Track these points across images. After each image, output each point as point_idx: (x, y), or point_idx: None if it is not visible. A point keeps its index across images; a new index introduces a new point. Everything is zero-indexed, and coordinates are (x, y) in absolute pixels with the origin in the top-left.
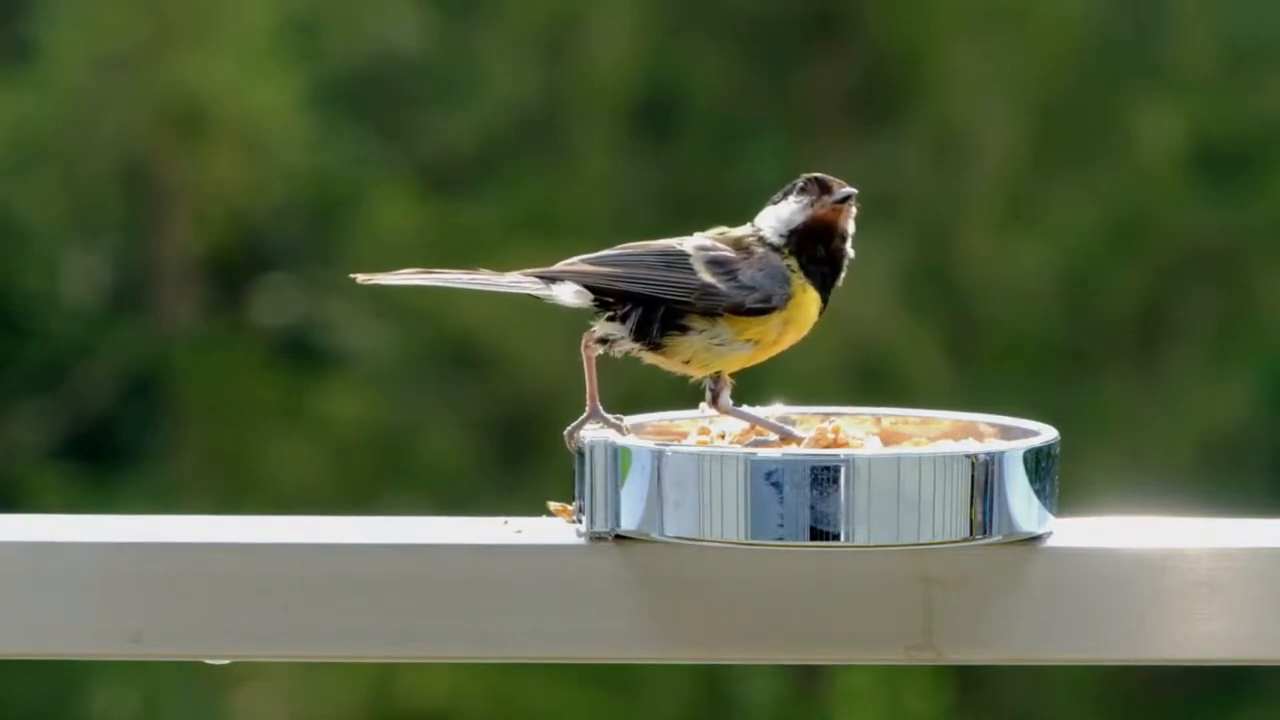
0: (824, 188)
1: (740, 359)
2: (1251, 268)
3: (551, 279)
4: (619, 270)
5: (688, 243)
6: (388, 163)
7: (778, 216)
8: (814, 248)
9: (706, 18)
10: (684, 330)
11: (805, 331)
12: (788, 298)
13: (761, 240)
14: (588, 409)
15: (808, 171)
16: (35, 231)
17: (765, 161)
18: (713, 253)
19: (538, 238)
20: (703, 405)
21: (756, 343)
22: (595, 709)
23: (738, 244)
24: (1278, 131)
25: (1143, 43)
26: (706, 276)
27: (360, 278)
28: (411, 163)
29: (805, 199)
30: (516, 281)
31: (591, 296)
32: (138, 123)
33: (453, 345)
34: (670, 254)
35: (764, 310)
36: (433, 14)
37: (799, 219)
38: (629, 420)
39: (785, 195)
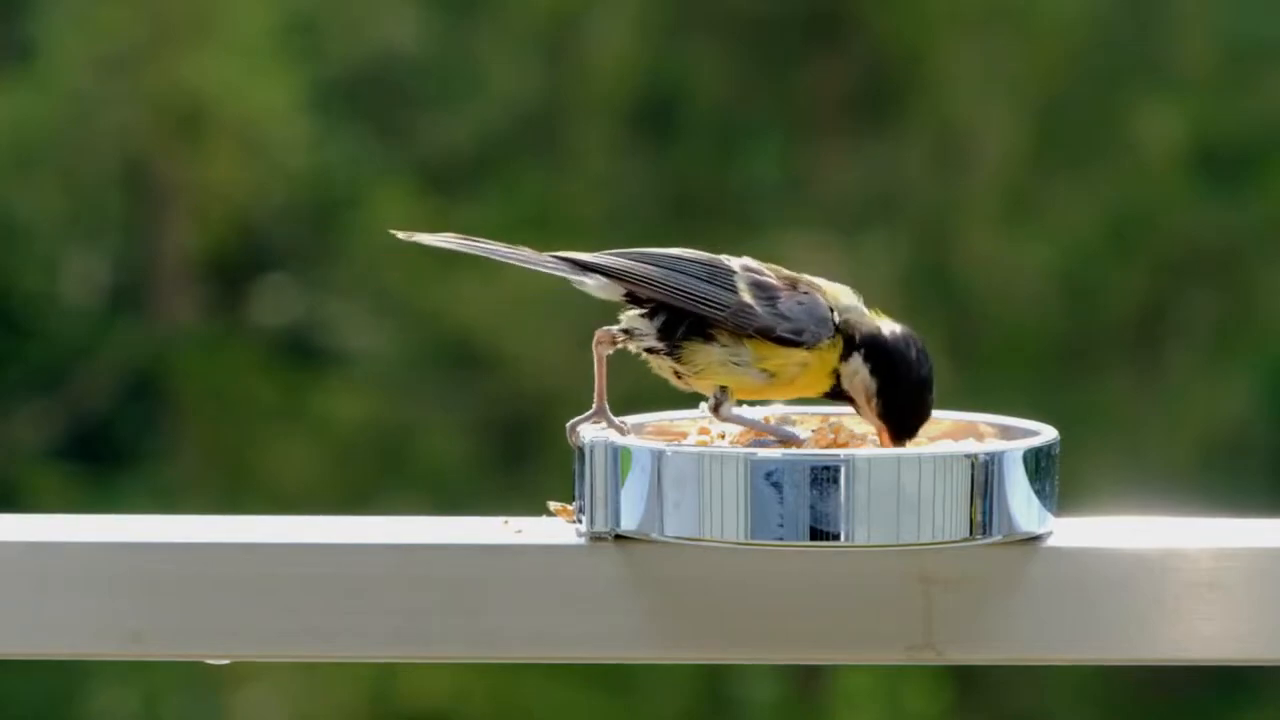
0: None
1: (751, 385)
2: (1251, 268)
3: (587, 267)
4: (657, 272)
5: (735, 261)
6: (387, 163)
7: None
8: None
9: (707, 18)
10: (708, 339)
11: (815, 388)
12: (819, 339)
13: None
14: (595, 406)
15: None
16: (35, 231)
17: (765, 161)
18: (758, 276)
19: (538, 238)
20: (702, 405)
21: (773, 375)
22: (595, 709)
23: (787, 279)
24: (1278, 131)
25: (1143, 43)
26: (746, 297)
27: (401, 235)
28: (411, 163)
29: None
30: (550, 263)
31: (623, 291)
32: (138, 123)
33: (453, 345)
34: (717, 267)
35: (793, 342)
36: (433, 14)
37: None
38: (629, 420)
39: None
